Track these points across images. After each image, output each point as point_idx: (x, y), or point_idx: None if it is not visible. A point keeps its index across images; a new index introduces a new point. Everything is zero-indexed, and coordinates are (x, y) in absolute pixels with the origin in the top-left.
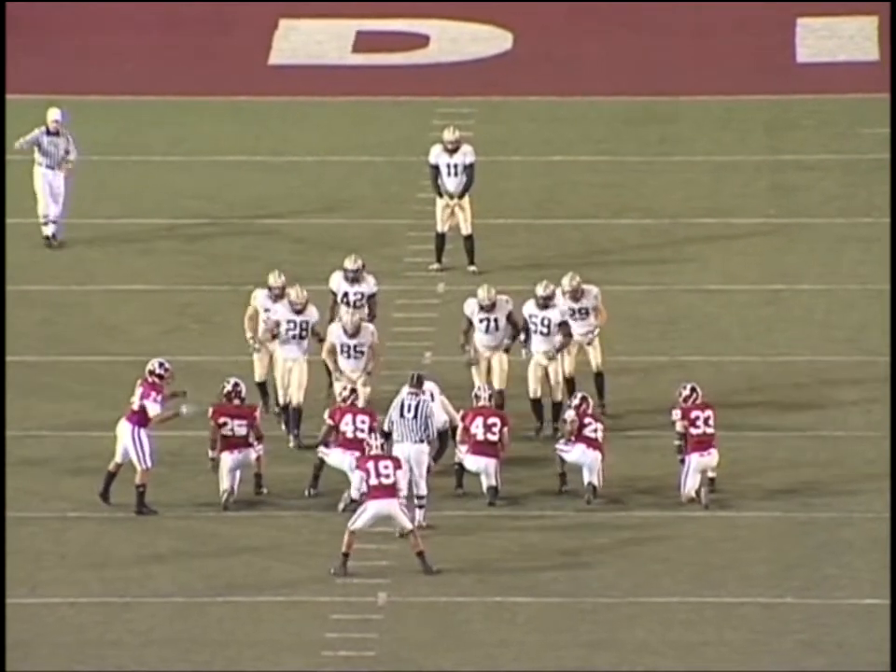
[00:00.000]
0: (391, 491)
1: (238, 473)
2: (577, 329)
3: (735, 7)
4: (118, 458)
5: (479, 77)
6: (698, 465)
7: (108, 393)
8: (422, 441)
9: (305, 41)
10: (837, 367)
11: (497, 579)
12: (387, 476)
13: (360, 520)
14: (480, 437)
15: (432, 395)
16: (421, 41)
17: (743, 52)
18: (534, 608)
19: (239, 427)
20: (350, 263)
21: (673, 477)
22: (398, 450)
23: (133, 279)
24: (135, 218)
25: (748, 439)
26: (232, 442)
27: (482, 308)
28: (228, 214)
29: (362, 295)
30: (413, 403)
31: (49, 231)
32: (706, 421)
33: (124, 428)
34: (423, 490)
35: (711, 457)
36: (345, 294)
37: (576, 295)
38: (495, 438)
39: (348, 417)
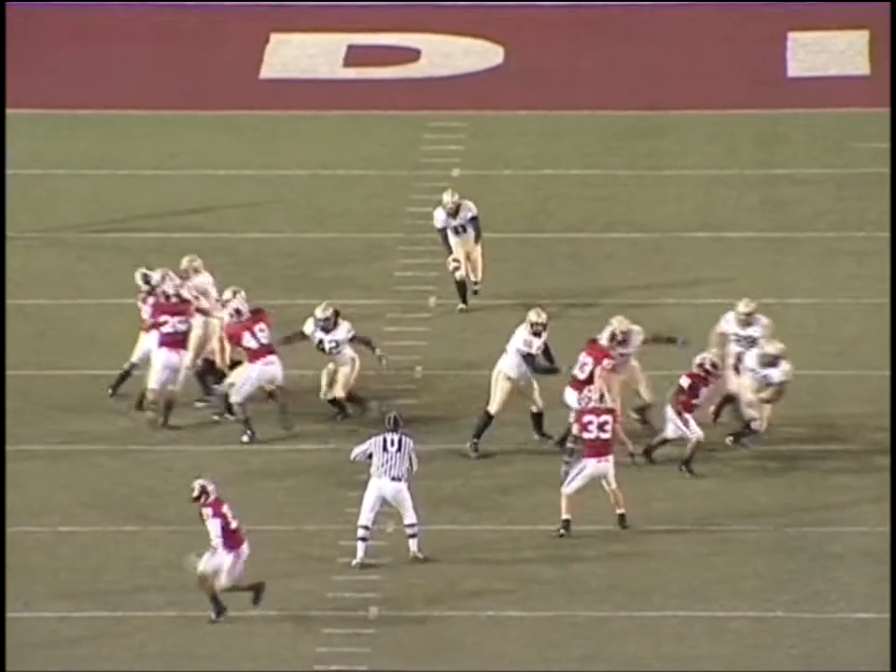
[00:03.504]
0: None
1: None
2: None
3: (727, 21)
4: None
5: (470, 91)
6: (595, 470)
7: (100, 406)
8: (399, 480)
9: (296, 55)
10: (829, 381)
11: (490, 591)
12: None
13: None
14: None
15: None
16: (412, 55)
17: (734, 66)
18: (526, 622)
19: (180, 324)
20: (320, 312)
21: (661, 493)
22: (374, 485)
23: (125, 293)
24: (127, 232)
25: (738, 452)
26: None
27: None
28: (219, 227)
29: (336, 343)
30: (396, 438)
31: None
32: (600, 426)
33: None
34: (413, 518)
35: (608, 464)
36: (320, 341)
37: (620, 339)
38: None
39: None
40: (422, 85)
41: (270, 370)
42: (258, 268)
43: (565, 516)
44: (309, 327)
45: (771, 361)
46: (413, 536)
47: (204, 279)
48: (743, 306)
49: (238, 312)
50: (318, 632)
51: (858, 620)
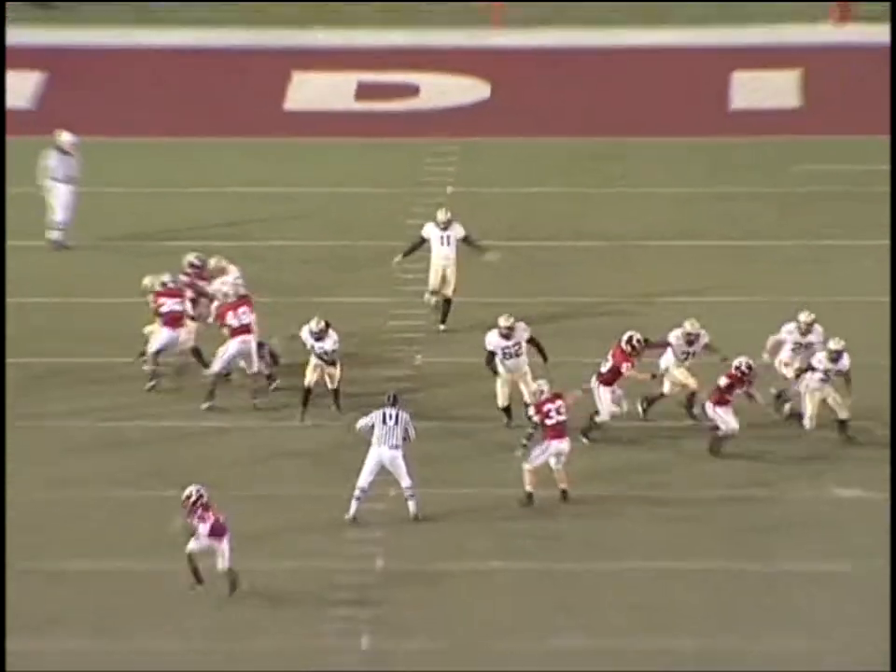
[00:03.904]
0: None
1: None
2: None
3: (682, 63)
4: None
5: (461, 121)
6: (557, 449)
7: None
8: (396, 448)
9: (315, 91)
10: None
11: (477, 546)
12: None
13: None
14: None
15: None
16: (413, 91)
17: (688, 101)
18: (509, 573)
19: (175, 305)
20: (314, 325)
21: (627, 464)
22: (374, 453)
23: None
24: (170, 241)
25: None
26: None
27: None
28: (247, 237)
29: (325, 351)
30: (394, 412)
31: (56, 236)
32: (557, 410)
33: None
34: (408, 482)
35: (566, 443)
36: (312, 346)
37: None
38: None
39: (230, 313)
40: (421, 116)
41: (244, 346)
42: (279, 271)
43: (528, 489)
44: (304, 333)
45: (837, 356)
46: (410, 497)
47: (228, 277)
48: (805, 317)
49: (225, 295)
50: (331, 580)
51: (819, 572)
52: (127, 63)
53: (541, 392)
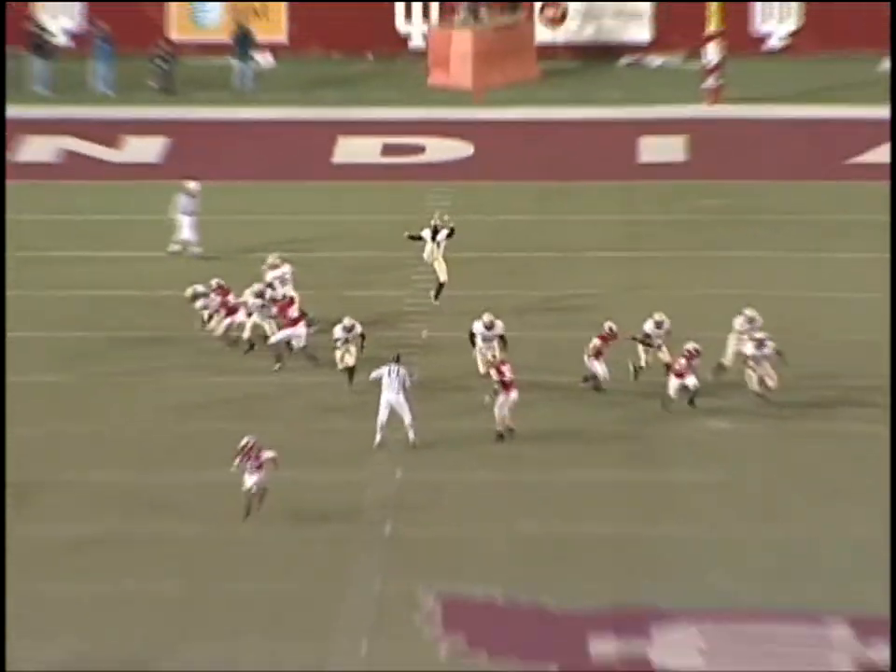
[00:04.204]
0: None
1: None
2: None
3: (608, 131)
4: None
5: (454, 170)
6: (512, 402)
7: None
8: (399, 393)
9: (353, 149)
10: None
11: (468, 461)
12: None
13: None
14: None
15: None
16: (420, 149)
17: (612, 155)
18: (489, 482)
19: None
20: (347, 321)
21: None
22: (384, 396)
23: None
24: (250, 254)
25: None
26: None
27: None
28: (303, 249)
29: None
30: (396, 368)
31: (175, 248)
32: (509, 371)
33: None
34: (409, 418)
35: (515, 393)
36: (345, 339)
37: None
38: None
39: (289, 309)
40: (426, 167)
41: (297, 331)
42: (325, 276)
43: (499, 428)
44: (338, 330)
45: (762, 343)
46: (410, 429)
47: (284, 269)
48: (749, 312)
49: (274, 299)
50: (363, 488)
51: (702, 482)
52: (225, 130)
53: (495, 358)
